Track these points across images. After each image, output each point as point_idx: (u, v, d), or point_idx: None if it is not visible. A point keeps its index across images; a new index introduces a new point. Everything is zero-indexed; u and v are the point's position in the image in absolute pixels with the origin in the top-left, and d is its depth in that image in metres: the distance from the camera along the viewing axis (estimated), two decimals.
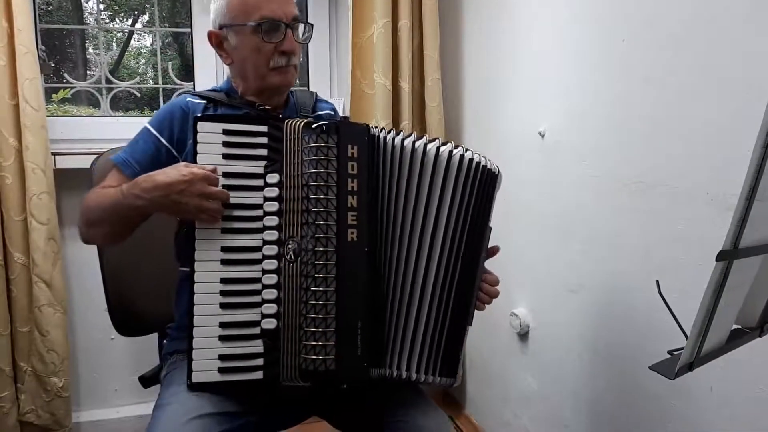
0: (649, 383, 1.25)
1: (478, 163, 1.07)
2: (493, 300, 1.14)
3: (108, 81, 2.12)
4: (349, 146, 1.01)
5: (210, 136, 1.01)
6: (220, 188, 0.99)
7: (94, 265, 1.42)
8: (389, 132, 1.06)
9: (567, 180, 1.51)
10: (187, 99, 1.20)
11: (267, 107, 1.18)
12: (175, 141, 1.16)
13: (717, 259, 0.58)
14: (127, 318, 1.43)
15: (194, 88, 2.11)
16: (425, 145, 1.05)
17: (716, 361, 0.68)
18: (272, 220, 1.01)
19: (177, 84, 2.19)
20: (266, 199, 1.02)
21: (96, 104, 2.15)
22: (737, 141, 1.02)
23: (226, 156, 1.01)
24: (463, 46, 2.02)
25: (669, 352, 0.70)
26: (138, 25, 2.45)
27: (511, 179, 1.76)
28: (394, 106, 1.97)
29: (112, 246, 1.24)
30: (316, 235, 1.00)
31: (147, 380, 1.32)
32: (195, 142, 1.01)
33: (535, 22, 1.62)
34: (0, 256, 1.79)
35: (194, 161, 1.01)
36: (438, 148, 1.05)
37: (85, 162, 1.50)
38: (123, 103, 2.20)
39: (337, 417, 1.20)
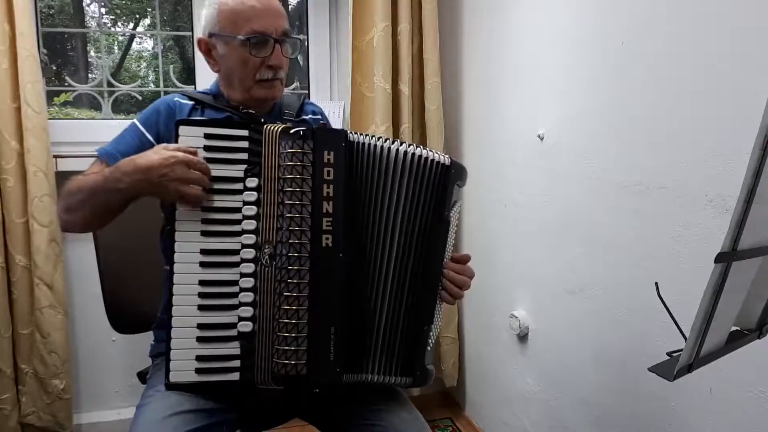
0: (648, 384, 1.25)
1: (422, 156, 1.05)
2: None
3: (109, 84, 2.12)
4: (326, 152, 1.02)
5: (191, 140, 1.02)
6: (200, 174, 1.00)
7: (95, 267, 1.43)
8: (369, 136, 1.05)
9: (566, 182, 1.51)
10: (175, 98, 1.22)
11: (251, 111, 1.19)
12: (160, 138, 1.17)
13: (716, 261, 0.58)
14: (122, 314, 1.44)
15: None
16: (397, 147, 1.05)
17: (715, 362, 0.68)
18: (250, 224, 1.02)
19: (178, 87, 2.19)
20: (245, 203, 1.02)
21: (97, 107, 2.15)
22: (736, 143, 1.03)
23: (207, 160, 1.02)
24: (463, 50, 2.03)
25: (668, 354, 0.71)
26: (139, 29, 2.46)
27: (511, 181, 1.78)
28: (394, 110, 1.98)
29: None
30: (290, 241, 1.00)
31: (145, 376, 1.33)
32: None
33: (534, 25, 1.63)
34: (1, 259, 1.80)
35: None
36: (398, 150, 1.04)
37: (86, 165, 1.46)
38: (124, 106, 2.21)
39: (318, 420, 1.20)
